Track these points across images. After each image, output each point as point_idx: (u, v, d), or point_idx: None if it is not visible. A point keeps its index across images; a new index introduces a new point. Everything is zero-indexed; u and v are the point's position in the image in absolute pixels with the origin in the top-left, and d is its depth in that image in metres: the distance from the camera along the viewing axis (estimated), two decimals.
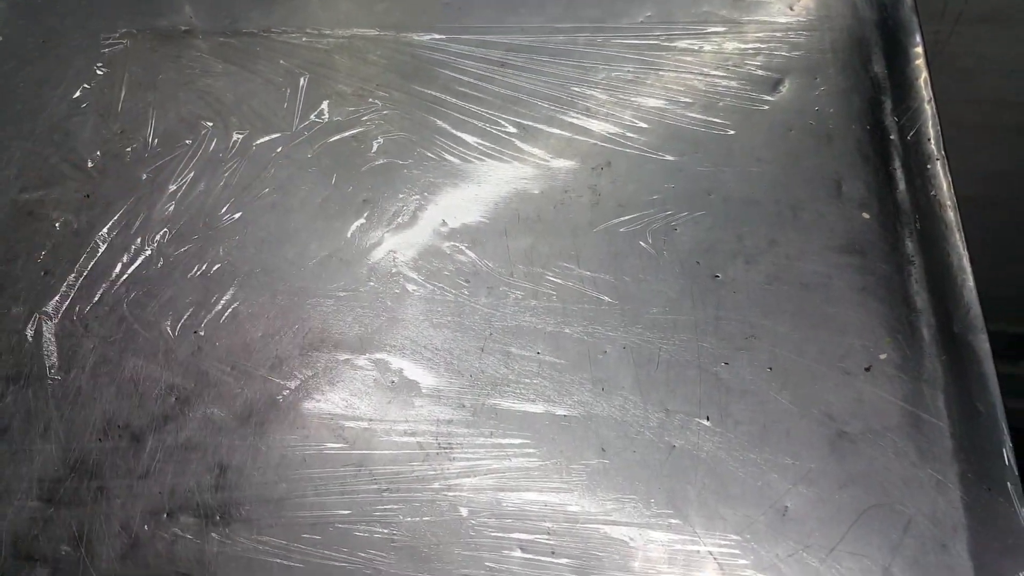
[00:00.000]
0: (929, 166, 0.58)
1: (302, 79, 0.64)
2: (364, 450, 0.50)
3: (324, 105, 0.63)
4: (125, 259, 0.58)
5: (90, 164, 0.61)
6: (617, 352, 0.52)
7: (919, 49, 0.62)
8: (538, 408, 0.51)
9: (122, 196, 0.60)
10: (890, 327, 0.52)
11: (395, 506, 0.49)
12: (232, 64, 0.65)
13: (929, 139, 0.59)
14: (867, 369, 0.51)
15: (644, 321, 0.53)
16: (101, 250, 0.58)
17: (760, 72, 0.62)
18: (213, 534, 0.49)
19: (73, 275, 0.57)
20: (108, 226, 0.59)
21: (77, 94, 0.65)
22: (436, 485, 0.49)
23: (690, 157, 0.59)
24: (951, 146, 0.58)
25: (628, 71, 0.63)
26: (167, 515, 0.49)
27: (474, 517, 0.48)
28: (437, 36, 0.65)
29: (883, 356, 0.51)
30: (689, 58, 0.63)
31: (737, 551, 0.46)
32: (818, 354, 0.51)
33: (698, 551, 0.46)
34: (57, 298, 0.56)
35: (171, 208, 0.59)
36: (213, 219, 0.59)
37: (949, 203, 0.56)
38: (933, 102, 0.60)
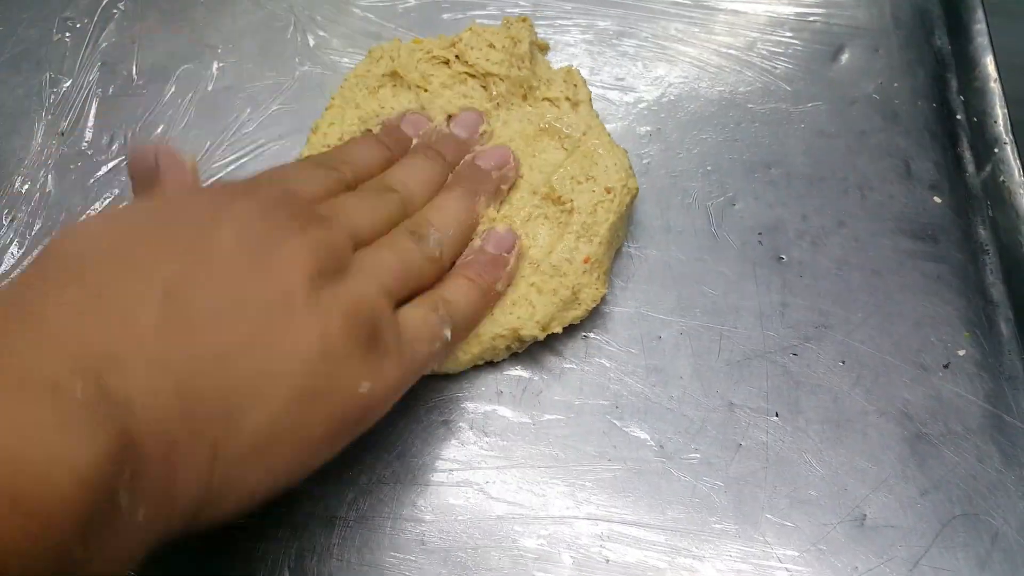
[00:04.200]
0: (997, 150, 0.53)
1: (317, 15, 0.57)
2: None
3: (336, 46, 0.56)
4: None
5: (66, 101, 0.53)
6: (673, 338, 0.47)
7: (982, 26, 0.58)
8: (586, 398, 0.45)
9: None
10: (967, 320, 0.48)
11: (424, 502, 0.43)
12: None
13: (996, 121, 0.54)
14: (946, 366, 0.46)
15: (702, 305, 0.48)
16: (77, 203, 0.50)
17: (820, 39, 0.57)
18: None
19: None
20: (87, 174, 0.51)
21: (56, 22, 0.56)
22: (471, 480, 0.43)
23: (747, 127, 0.54)
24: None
25: (675, 30, 0.57)
26: None
27: (515, 521, 0.42)
28: None
29: (962, 352, 0.47)
30: (743, 21, 0.58)
31: (812, 564, 0.41)
32: (893, 348, 0.46)
33: (769, 563, 0.41)
34: (23, 251, 0.49)
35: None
36: (208, 171, 0.51)
37: (1021, 191, 0.52)
38: (1000, 82, 0.56)
